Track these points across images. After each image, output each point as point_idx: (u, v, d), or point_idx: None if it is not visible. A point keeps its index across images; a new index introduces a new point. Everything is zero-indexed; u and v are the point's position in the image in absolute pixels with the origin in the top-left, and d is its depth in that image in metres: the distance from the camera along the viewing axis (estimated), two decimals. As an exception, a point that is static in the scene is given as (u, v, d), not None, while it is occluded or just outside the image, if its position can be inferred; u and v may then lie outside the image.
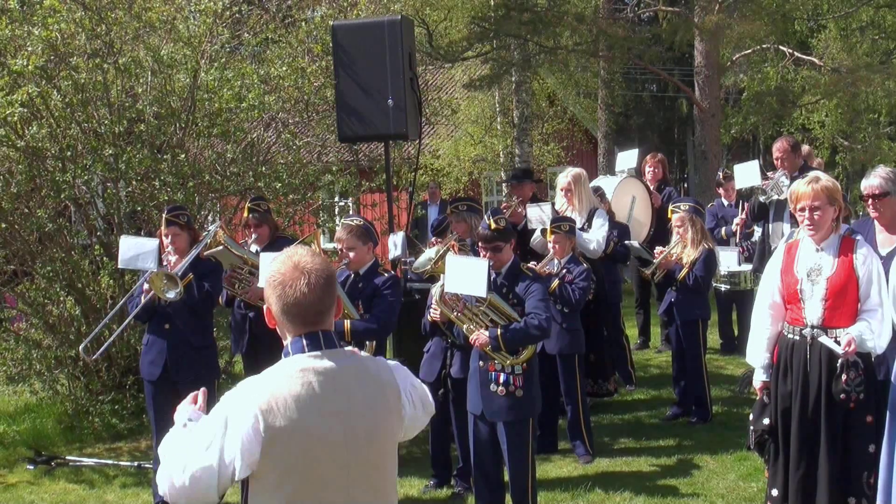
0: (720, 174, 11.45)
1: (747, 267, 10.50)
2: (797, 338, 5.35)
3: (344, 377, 2.93)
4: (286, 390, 2.82)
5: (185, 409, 3.09)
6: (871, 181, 5.72)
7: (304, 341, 2.91)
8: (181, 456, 2.83)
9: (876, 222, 5.84)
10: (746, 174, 9.10)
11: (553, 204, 8.94)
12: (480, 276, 5.75)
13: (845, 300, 5.21)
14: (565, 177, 8.85)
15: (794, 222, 6.27)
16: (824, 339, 5.24)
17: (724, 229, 10.50)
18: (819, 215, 5.22)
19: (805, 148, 10.15)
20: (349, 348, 3.14)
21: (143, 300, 6.69)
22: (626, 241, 9.31)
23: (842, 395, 5.16)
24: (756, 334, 5.60)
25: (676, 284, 8.38)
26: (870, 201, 5.75)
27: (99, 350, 7.35)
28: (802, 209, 5.27)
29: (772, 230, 8.83)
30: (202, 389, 3.21)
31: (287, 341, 2.96)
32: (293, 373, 2.86)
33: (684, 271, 8.28)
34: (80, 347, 7.34)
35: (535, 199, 9.42)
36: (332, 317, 3.00)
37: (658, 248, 8.60)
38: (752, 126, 22.82)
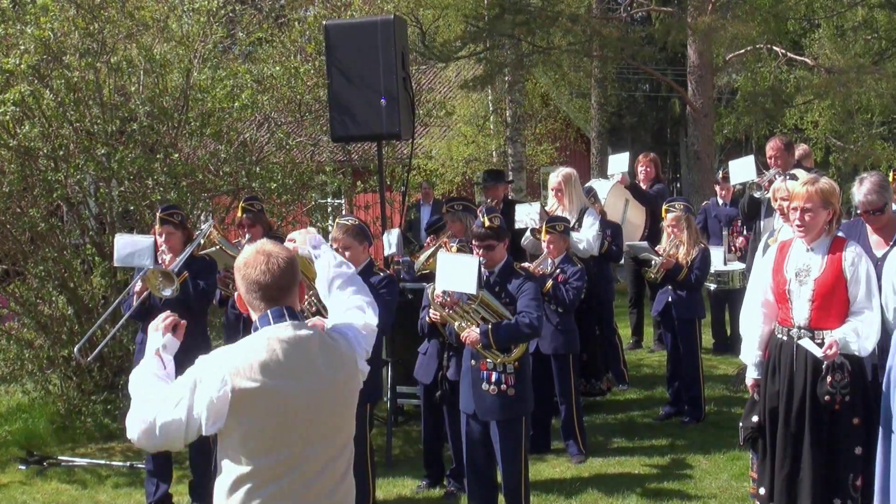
0: (721, 172, 11.48)
1: (734, 266, 10.53)
2: (785, 338, 5.36)
3: (306, 345, 3.23)
4: (253, 357, 3.12)
5: (158, 335, 3.49)
6: (870, 197, 5.65)
7: (270, 315, 3.23)
8: (152, 410, 3.13)
9: (868, 225, 5.84)
10: (742, 170, 9.11)
11: (543, 204, 8.94)
12: (471, 274, 5.75)
13: (833, 301, 5.21)
14: (556, 177, 8.85)
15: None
16: (804, 342, 5.24)
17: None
18: (810, 217, 5.22)
19: (803, 147, 10.16)
20: (313, 319, 3.58)
21: (135, 301, 6.69)
22: (631, 242, 9.35)
23: (826, 397, 5.16)
24: (748, 332, 5.61)
25: (676, 284, 8.39)
26: (867, 215, 5.75)
27: (93, 353, 7.35)
28: (795, 209, 5.27)
29: (764, 227, 8.84)
30: (181, 322, 3.62)
31: (255, 318, 3.27)
32: (260, 342, 3.18)
33: (685, 271, 8.30)
34: (75, 349, 7.34)
35: (506, 199, 9.47)
36: (294, 295, 3.31)
37: (659, 248, 8.61)
38: (746, 126, 22.84)
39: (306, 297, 6.04)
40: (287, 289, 3.26)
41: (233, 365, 3.09)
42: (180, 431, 3.10)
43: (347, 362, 3.36)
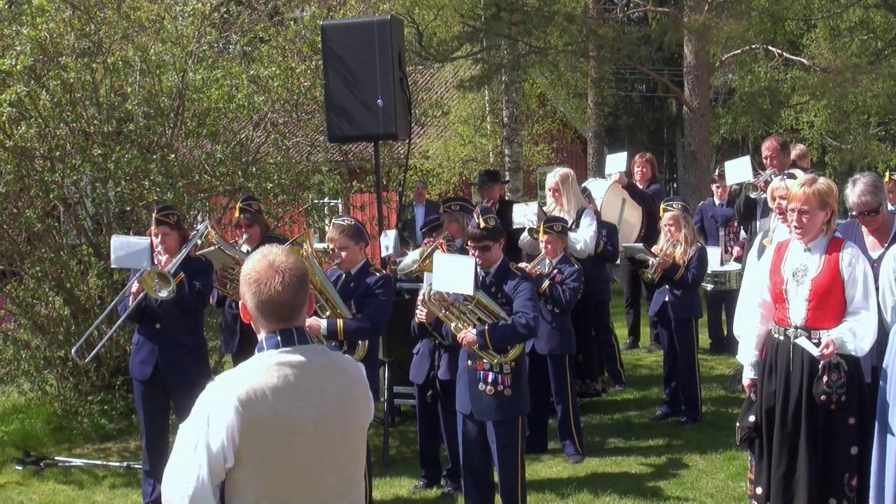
0: (717, 171, 11.49)
1: (731, 266, 10.54)
2: (782, 338, 5.37)
3: (316, 371, 3.05)
4: (264, 382, 2.93)
5: None
6: (864, 198, 5.67)
7: (279, 337, 3.02)
8: (175, 464, 2.93)
9: (863, 227, 5.85)
10: (737, 170, 9.12)
11: (541, 204, 8.94)
12: (467, 275, 5.75)
13: (829, 301, 5.21)
14: (553, 177, 8.85)
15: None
16: (801, 341, 5.25)
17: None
18: (807, 218, 5.22)
19: (800, 148, 10.16)
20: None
21: (131, 302, 6.69)
22: (626, 243, 9.35)
23: (822, 397, 5.16)
24: (745, 332, 5.62)
25: (673, 284, 8.39)
26: (862, 216, 5.76)
27: (91, 354, 7.35)
28: (792, 210, 5.27)
29: (759, 227, 8.84)
30: None
31: (261, 336, 3.06)
32: (269, 366, 2.97)
33: (681, 270, 8.30)
34: (73, 351, 7.36)
35: (503, 199, 9.46)
36: (304, 314, 3.11)
37: (655, 248, 8.61)
38: (742, 127, 22.86)
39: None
40: (301, 308, 3.06)
41: (242, 392, 2.90)
42: (203, 480, 2.87)
43: (358, 384, 3.18)
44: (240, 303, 3.11)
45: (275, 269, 3.00)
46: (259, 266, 3.02)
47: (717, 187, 11.38)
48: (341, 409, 3.08)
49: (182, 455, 2.91)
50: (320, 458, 3.02)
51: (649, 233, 10.06)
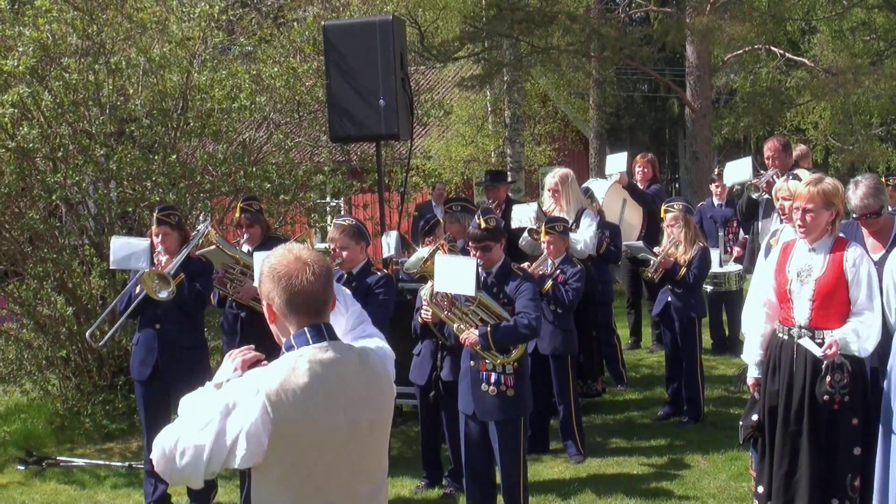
0: (716, 170, 11.49)
1: (730, 268, 10.54)
2: (786, 337, 5.37)
3: (347, 368, 2.94)
4: (294, 381, 2.82)
5: (230, 368, 3.03)
6: (867, 201, 5.66)
7: (309, 333, 2.91)
8: (175, 433, 2.82)
9: (864, 228, 5.85)
10: (737, 171, 9.12)
11: (540, 205, 8.94)
12: (469, 275, 5.75)
13: (833, 301, 5.21)
14: (552, 177, 8.85)
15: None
16: (804, 342, 5.25)
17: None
18: (812, 217, 5.22)
19: (801, 148, 10.17)
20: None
21: (134, 303, 6.70)
22: (628, 242, 9.33)
23: (825, 397, 5.16)
24: (750, 332, 5.62)
25: (674, 283, 8.38)
26: (863, 219, 5.76)
27: (105, 337, 7.34)
28: (797, 209, 5.27)
29: (761, 228, 8.85)
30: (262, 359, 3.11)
31: (290, 335, 2.95)
32: (300, 364, 2.85)
33: (683, 270, 8.29)
34: (87, 334, 7.33)
35: (509, 200, 9.49)
36: (330, 310, 3.01)
37: (657, 248, 8.61)
38: (744, 127, 22.84)
39: None
40: (329, 302, 2.98)
41: (273, 391, 2.78)
42: (200, 459, 2.77)
43: (385, 386, 3.08)
44: (264, 304, 2.98)
45: (303, 262, 2.91)
46: (285, 259, 2.93)
47: (717, 187, 11.37)
48: (371, 410, 2.99)
49: (187, 428, 2.80)
50: (351, 463, 2.93)
51: (650, 233, 10.05)
